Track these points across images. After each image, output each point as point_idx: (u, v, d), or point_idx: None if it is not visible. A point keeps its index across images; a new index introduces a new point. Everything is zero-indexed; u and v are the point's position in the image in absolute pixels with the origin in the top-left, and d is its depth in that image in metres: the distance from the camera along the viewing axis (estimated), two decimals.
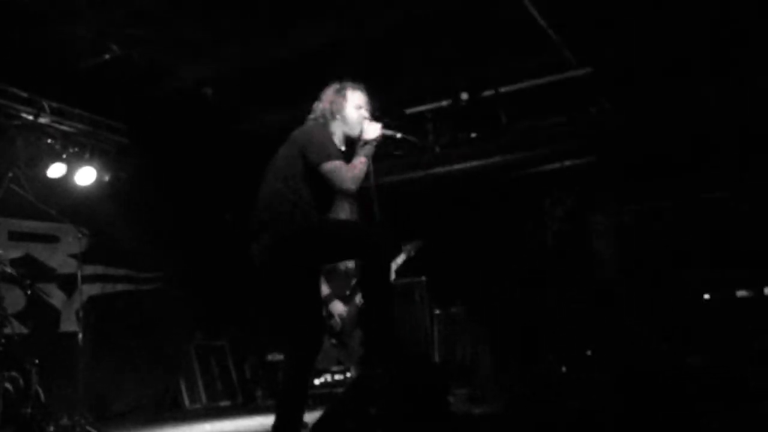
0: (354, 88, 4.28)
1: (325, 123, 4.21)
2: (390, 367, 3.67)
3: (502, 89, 8.43)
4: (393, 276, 6.17)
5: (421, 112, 8.87)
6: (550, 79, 8.20)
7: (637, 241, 9.38)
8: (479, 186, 9.54)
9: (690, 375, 5.63)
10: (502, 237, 9.81)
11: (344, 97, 4.23)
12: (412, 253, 6.31)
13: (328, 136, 4.15)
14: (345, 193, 4.03)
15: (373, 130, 4.16)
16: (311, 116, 4.27)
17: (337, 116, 4.20)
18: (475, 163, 9.10)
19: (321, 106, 4.25)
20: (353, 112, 4.22)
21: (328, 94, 4.27)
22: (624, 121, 8.14)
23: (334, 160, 3.95)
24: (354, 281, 6.12)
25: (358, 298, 5.98)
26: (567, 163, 9.25)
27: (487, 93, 8.48)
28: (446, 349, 9.05)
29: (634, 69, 7.83)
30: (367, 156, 4.07)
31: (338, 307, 5.74)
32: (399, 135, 4.26)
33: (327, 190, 4.08)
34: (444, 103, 8.70)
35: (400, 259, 6.27)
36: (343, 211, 5.92)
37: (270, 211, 3.95)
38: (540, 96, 8.37)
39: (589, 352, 7.98)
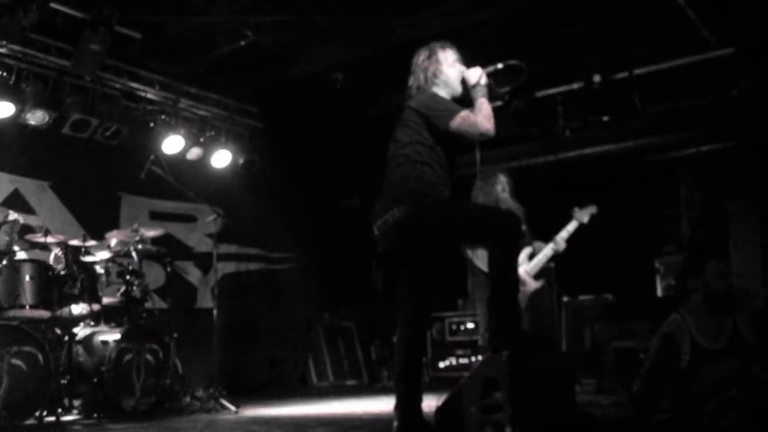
0: (443, 47, 4.17)
1: (428, 90, 4.11)
2: (515, 353, 3.63)
3: (637, 71, 8.14)
4: (563, 246, 6.00)
5: (552, 95, 8.70)
6: (688, 60, 7.85)
7: None
8: (611, 171, 9.28)
9: None
10: (637, 224, 9.52)
11: (437, 59, 4.13)
12: (585, 220, 6.06)
13: (443, 97, 4.07)
14: (485, 136, 3.92)
15: (473, 74, 4.04)
16: (411, 91, 4.16)
17: (437, 80, 4.11)
18: (607, 148, 8.85)
19: (417, 77, 4.14)
20: (451, 71, 4.12)
21: (420, 62, 4.17)
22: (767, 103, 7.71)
23: (459, 113, 3.89)
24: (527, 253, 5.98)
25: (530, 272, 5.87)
26: (704, 148, 8.85)
27: (621, 75, 8.21)
28: (574, 338, 8.87)
29: None
30: (483, 96, 3.97)
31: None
32: (500, 65, 4.08)
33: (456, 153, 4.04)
34: (575, 85, 8.49)
35: (572, 227, 6.01)
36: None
37: (400, 188, 3.91)
38: (677, 78, 8.03)
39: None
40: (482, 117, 3.89)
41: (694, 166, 9.62)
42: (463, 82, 4.10)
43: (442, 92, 4.12)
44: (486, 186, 5.83)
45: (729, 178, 9.38)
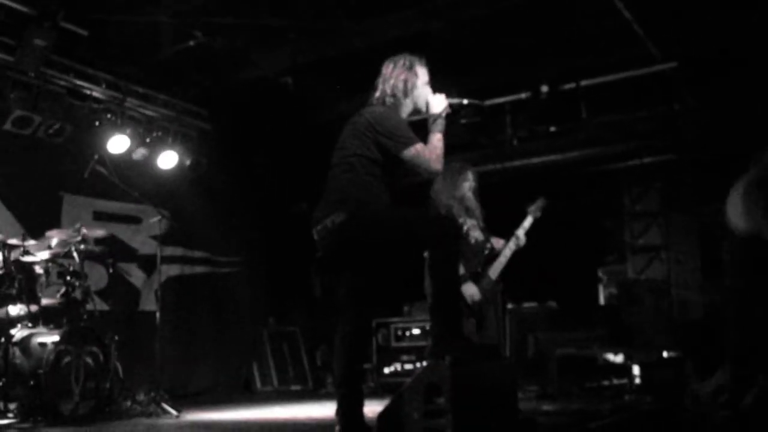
0: (422, 64, 4.13)
1: (395, 103, 4.06)
2: (458, 358, 3.65)
3: (584, 82, 8.28)
4: (523, 240, 5.92)
5: (500, 104, 8.78)
6: (633, 74, 8.01)
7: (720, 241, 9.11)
8: (557, 181, 9.42)
9: None
10: (581, 233, 9.67)
11: (416, 73, 4.08)
12: (538, 214, 6.09)
13: (403, 120, 4.04)
14: (432, 176, 3.93)
15: (438, 103, 4.02)
16: (377, 96, 4.10)
17: (410, 93, 4.06)
18: (553, 157, 8.98)
19: (390, 84, 4.07)
20: (424, 90, 4.09)
21: (397, 71, 4.08)
22: (708, 118, 7.90)
23: (414, 145, 3.86)
24: (485, 254, 5.93)
25: (492, 273, 5.82)
26: (647, 159, 9.04)
27: (568, 86, 8.34)
28: (517, 345, 8.97)
29: (721, 64, 7.58)
30: (441, 132, 3.95)
31: (470, 290, 5.52)
32: (465, 101, 4.09)
33: (398, 174, 4.03)
34: (523, 95, 8.59)
35: (527, 223, 6.02)
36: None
37: (342, 194, 3.90)
38: (622, 90, 8.17)
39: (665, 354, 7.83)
40: (435, 157, 3.88)
41: (638, 177, 9.82)
42: (425, 106, 4.08)
43: (407, 109, 4.09)
44: (453, 182, 5.78)
45: (671, 190, 9.59)
